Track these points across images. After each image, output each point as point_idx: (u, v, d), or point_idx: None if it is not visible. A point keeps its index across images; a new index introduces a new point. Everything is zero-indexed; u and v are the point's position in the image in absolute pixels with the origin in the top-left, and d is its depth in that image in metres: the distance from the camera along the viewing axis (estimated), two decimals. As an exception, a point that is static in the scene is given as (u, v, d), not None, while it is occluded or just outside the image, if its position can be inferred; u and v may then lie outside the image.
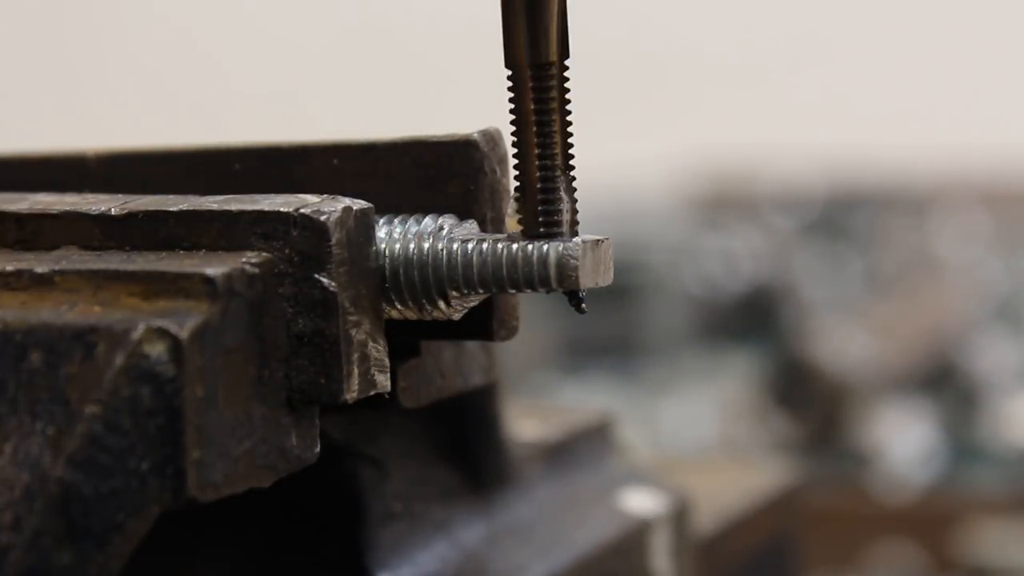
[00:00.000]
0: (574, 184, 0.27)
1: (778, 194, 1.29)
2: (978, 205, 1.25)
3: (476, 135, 0.28)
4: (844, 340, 0.89)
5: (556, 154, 0.26)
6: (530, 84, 0.26)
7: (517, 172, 0.27)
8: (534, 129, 0.26)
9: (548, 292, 0.27)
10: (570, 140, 0.27)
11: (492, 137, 0.28)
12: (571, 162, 0.27)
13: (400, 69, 1.40)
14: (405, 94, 1.29)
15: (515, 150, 0.27)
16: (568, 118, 0.27)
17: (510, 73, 0.26)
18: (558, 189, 0.27)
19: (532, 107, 0.26)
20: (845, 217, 1.26)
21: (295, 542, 0.31)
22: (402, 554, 0.31)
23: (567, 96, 0.26)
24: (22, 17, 1.52)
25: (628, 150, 1.28)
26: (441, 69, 1.37)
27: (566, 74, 0.26)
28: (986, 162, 1.30)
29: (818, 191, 1.30)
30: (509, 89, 0.26)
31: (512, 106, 0.27)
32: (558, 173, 0.27)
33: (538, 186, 0.26)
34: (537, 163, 0.26)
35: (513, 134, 0.27)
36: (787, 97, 1.43)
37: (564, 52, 0.26)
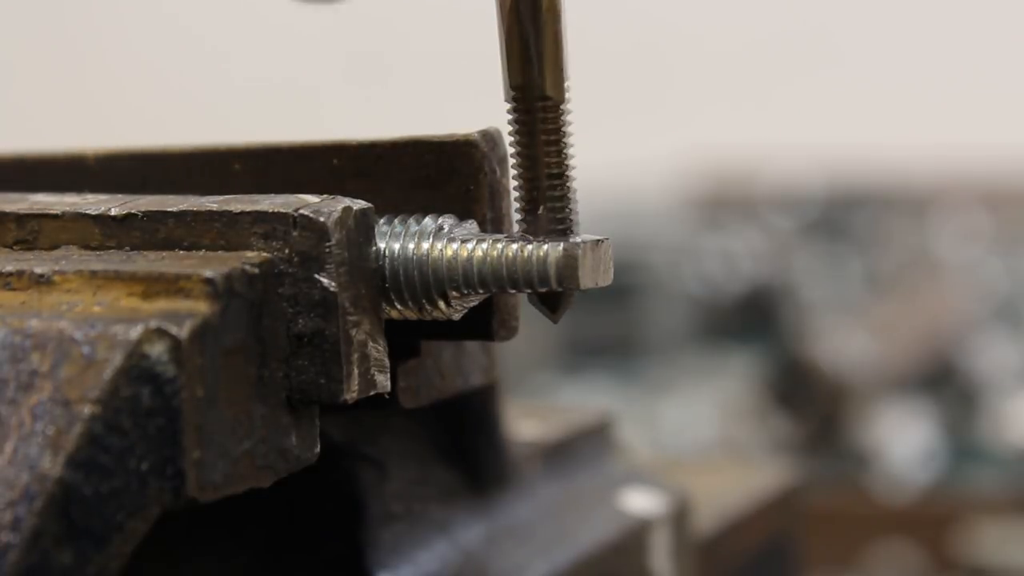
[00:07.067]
0: (573, 184, 0.27)
1: (778, 194, 1.29)
2: (978, 205, 1.25)
3: (476, 135, 0.28)
4: (844, 340, 0.89)
5: (553, 172, 0.27)
6: (520, 116, 0.27)
7: (516, 183, 0.27)
8: (532, 158, 0.27)
9: (548, 298, 0.27)
10: (570, 153, 0.27)
11: (492, 137, 0.28)
12: (571, 162, 0.27)
13: (400, 68, 1.40)
14: (405, 94, 1.29)
15: (513, 162, 0.27)
16: (567, 141, 0.27)
17: (509, 107, 0.27)
18: (554, 199, 0.27)
19: (526, 138, 0.27)
20: (845, 217, 1.25)
21: (295, 542, 0.31)
22: (402, 554, 0.31)
23: (566, 125, 0.27)
24: (21, 17, 1.52)
25: (628, 150, 1.28)
26: (441, 69, 1.37)
27: (565, 106, 0.27)
28: (986, 162, 1.30)
29: (818, 191, 1.29)
30: (509, 122, 0.27)
31: (511, 135, 0.27)
32: (556, 189, 0.27)
33: (530, 195, 0.27)
34: (531, 177, 0.27)
35: (513, 156, 0.27)
36: (787, 97, 1.43)
37: (560, 85, 0.27)
